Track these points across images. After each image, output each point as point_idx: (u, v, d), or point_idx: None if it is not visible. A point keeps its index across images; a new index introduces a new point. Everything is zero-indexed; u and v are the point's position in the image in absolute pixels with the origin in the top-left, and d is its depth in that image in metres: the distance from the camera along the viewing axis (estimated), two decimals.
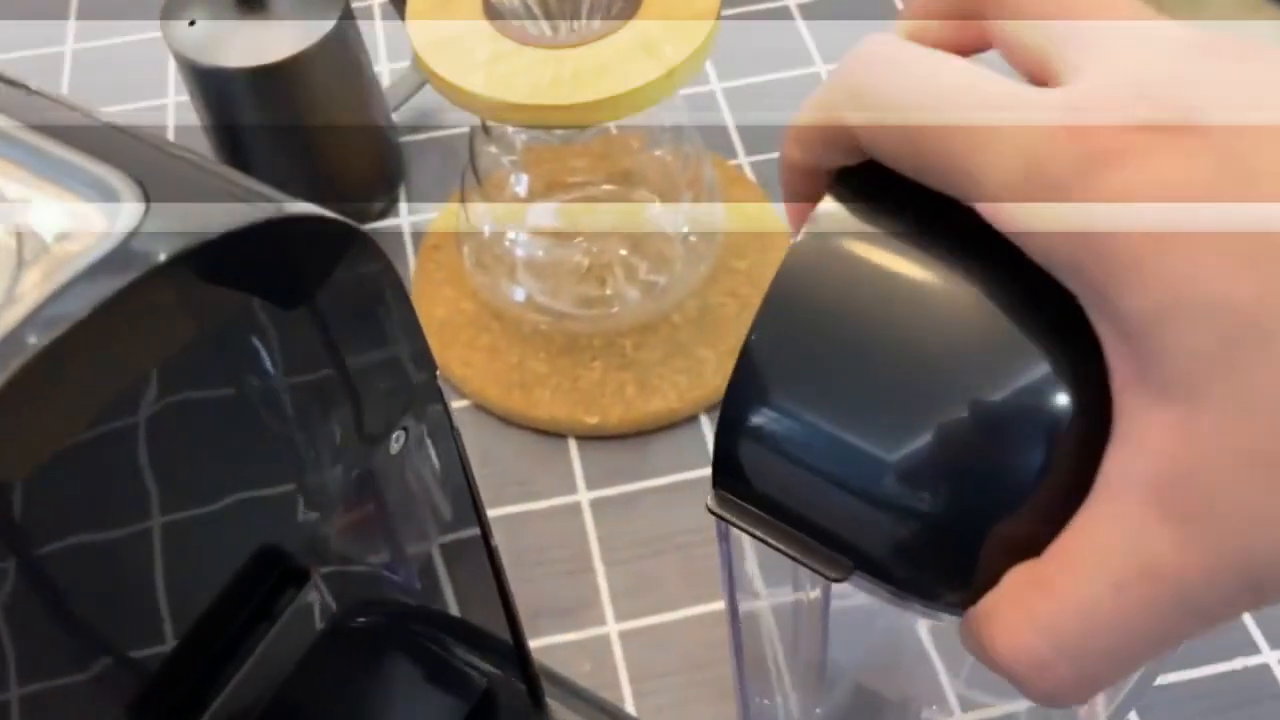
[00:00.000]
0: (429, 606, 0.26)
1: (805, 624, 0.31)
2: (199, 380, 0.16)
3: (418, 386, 0.19)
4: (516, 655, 0.31)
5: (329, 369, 0.17)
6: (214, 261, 0.14)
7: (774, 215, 0.50)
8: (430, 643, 0.28)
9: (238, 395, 0.17)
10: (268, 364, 0.16)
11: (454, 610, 0.27)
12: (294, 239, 0.15)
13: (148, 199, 0.14)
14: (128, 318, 0.14)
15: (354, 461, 0.19)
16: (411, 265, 0.50)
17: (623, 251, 0.47)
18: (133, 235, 0.14)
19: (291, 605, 0.18)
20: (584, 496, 0.43)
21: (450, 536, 0.25)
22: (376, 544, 0.22)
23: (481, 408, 0.46)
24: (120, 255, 0.14)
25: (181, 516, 0.17)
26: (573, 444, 0.45)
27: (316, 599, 0.19)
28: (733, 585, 0.24)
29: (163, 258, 0.14)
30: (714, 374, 0.45)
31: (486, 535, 0.26)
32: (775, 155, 0.53)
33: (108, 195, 0.14)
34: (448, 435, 0.21)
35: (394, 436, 0.20)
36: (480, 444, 0.45)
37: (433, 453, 0.22)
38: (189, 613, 0.17)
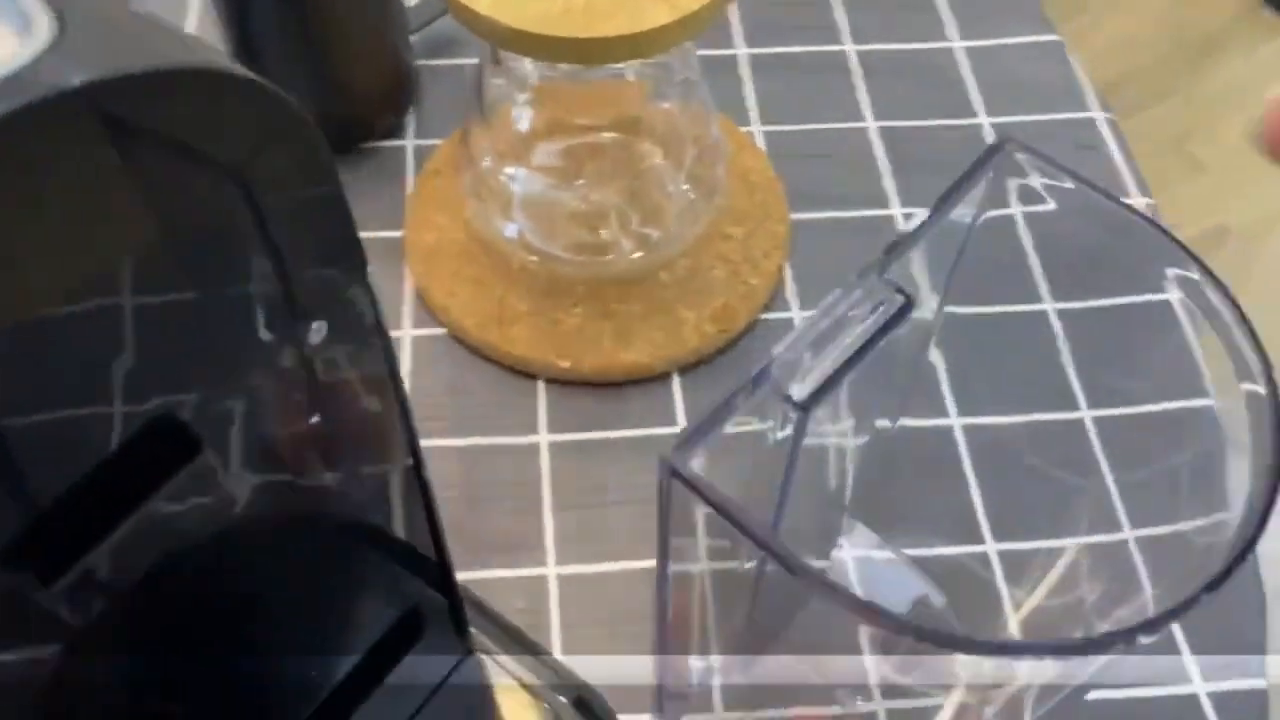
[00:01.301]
0: (350, 516, 0.26)
1: (736, 591, 0.31)
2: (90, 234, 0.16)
3: (341, 277, 0.19)
4: (441, 580, 0.31)
5: (238, 235, 0.17)
6: (116, 102, 0.14)
7: (778, 188, 0.50)
8: (350, 552, 0.28)
9: (137, 252, 0.16)
10: (169, 221, 0.16)
11: (381, 524, 0.27)
12: (210, 93, 0.15)
13: (62, 28, 0.14)
14: (19, 149, 0.14)
15: (266, 343, 0.19)
16: (409, 189, 0.50)
17: (618, 201, 0.46)
18: (35, 63, 0.14)
19: (177, 478, 0.18)
20: (544, 438, 0.43)
21: (378, 450, 0.24)
22: (295, 443, 0.22)
23: (457, 338, 0.46)
24: (16, 82, 0.14)
25: (79, 369, 0.17)
26: (542, 386, 0.45)
27: (212, 479, 0.19)
28: (666, 530, 0.23)
29: (58, 90, 0.14)
30: (692, 335, 0.45)
31: (416, 454, 0.26)
32: (790, 127, 0.52)
33: (17, 20, 0.14)
34: (377, 341, 0.21)
35: (314, 326, 0.20)
36: (451, 374, 0.45)
37: (361, 357, 0.21)
38: (78, 465, 0.17)
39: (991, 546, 0.40)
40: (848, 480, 0.37)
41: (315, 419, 0.22)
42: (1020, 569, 0.40)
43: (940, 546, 0.40)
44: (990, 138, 0.52)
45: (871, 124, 0.53)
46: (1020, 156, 0.27)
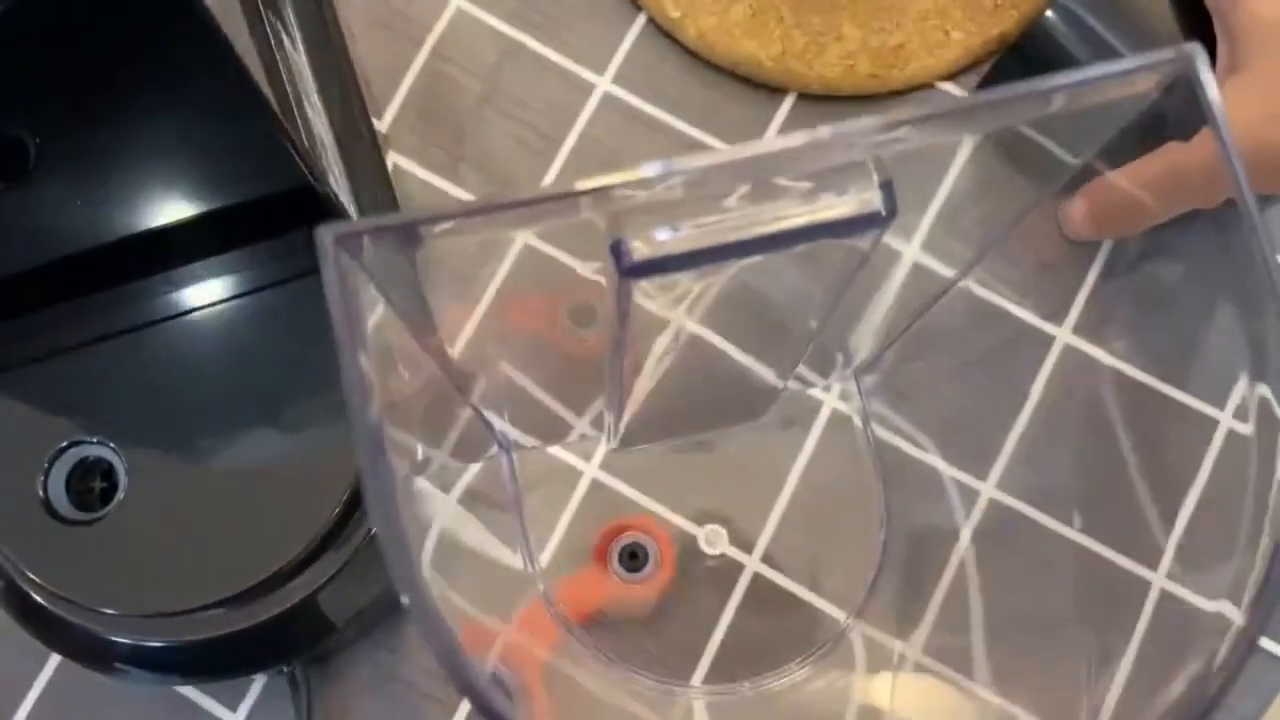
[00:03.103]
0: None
1: None
2: None
3: None
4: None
5: None
6: None
7: None
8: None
9: None
10: None
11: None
12: None
13: None
14: None
15: None
16: None
17: None
18: None
19: None
20: (604, 85, 0.35)
21: None
22: None
23: None
24: None
25: None
26: (638, 25, 0.36)
27: None
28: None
29: None
30: (834, 63, 0.35)
31: None
32: None
33: None
34: None
35: None
36: None
37: None
38: None
39: (988, 489, 0.31)
40: (858, 328, 0.29)
41: None
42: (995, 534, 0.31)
43: (934, 457, 0.32)
44: None
45: None
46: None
